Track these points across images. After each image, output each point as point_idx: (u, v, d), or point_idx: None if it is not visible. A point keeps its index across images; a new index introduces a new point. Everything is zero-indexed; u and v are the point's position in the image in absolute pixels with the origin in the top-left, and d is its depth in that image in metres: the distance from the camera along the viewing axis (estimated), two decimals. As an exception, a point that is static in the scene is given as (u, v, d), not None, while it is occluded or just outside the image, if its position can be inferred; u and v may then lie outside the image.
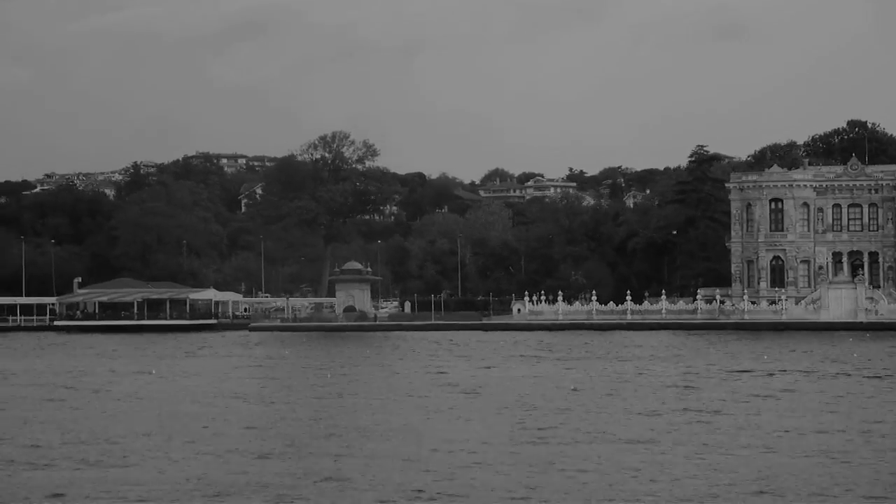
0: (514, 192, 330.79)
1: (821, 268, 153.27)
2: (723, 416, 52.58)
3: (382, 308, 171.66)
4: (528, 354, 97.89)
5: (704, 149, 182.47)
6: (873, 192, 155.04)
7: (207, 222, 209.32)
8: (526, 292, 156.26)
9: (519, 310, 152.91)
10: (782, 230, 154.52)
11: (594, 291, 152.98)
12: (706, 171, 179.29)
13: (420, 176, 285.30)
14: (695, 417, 52.34)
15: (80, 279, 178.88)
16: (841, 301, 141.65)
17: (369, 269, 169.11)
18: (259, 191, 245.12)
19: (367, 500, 34.60)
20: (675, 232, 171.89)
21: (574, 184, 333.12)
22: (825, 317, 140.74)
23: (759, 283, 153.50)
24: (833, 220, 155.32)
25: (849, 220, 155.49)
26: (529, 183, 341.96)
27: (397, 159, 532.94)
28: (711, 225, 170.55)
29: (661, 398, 60.74)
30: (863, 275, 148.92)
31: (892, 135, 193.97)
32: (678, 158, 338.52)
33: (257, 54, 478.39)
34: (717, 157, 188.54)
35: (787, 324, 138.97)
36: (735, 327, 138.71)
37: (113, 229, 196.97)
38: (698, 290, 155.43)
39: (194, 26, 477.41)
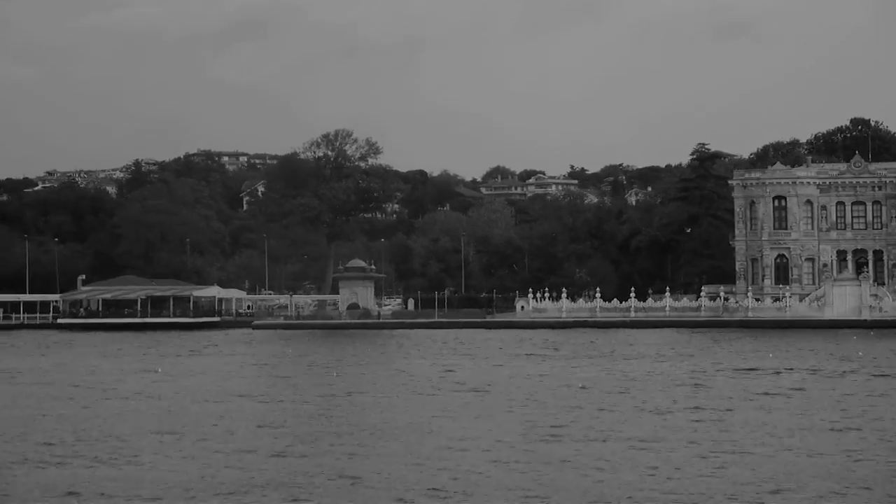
0: (516, 189, 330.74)
1: (824, 265, 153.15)
2: (735, 415, 52.46)
3: (385, 306, 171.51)
4: (535, 352, 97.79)
5: (706, 146, 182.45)
6: (877, 189, 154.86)
7: (209, 220, 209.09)
8: (529, 290, 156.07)
9: (522, 307, 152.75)
10: (786, 228, 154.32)
11: (598, 289, 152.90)
12: (709, 168, 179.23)
13: (422, 173, 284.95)
14: (707, 416, 52.23)
15: (83, 277, 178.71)
16: (845, 298, 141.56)
17: (373, 266, 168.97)
18: (261, 188, 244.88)
19: (381, 499, 34.49)
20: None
21: (575, 181, 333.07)
22: (829, 314, 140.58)
23: (763, 281, 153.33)
24: (837, 217, 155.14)
25: (852, 217, 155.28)
26: (531, 180, 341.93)
27: (398, 157, 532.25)
28: (714, 222, 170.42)
29: (671, 396, 60.63)
30: (867, 272, 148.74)
31: (895, 132, 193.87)
32: (680, 156, 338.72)
33: (258, 53, 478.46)
34: (718, 155, 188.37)
35: (791, 321, 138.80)
36: (739, 325, 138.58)
37: (116, 227, 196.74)
38: (702, 288, 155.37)
39: (196, 24, 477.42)
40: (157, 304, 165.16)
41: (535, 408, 55.90)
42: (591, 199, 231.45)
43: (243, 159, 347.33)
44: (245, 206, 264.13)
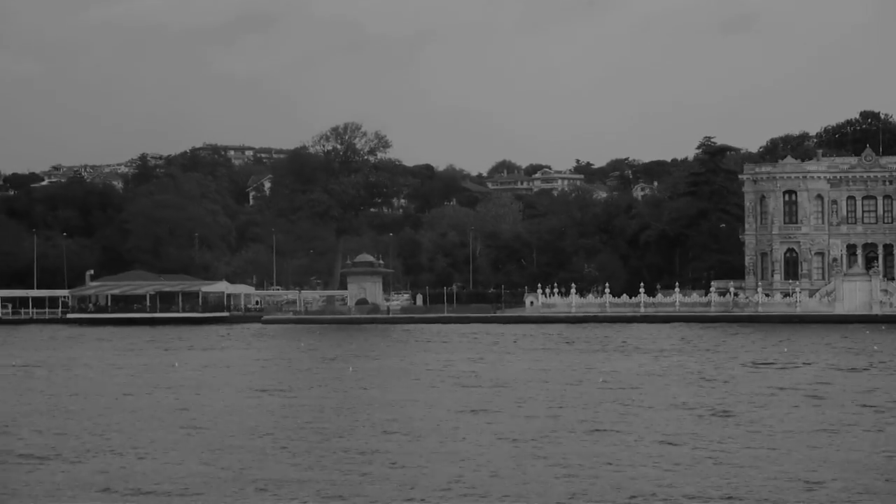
0: (522, 184, 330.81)
1: (835, 260, 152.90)
2: (759, 411, 52.23)
3: (394, 300, 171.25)
4: (549, 347, 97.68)
5: (712, 140, 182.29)
6: (887, 183, 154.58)
7: (216, 215, 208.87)
8: (538, 285, 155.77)
9: (532, 302, 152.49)
10: (796, 222, 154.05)
11: (607, 284, 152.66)
12: (718, 162, 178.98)
13: (428, 168, 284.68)
14: (731, 410, 52.01)
15: (91, 272, 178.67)
16: (855, 293, 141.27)
17: (381, 261, 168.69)
18: (267, 183, 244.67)
19: (408, 495, 34.31)
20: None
21: (581, 176, 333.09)
22: (839, 309, 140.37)
23: (772, 276, 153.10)
24: (847, 212, 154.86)
25: (863, 212, 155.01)
26: (537, 175, 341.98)
27: (404, 152, 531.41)
28: (724, 217, 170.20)
29: (692, 392, 60.42)
30: (877, 267, 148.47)
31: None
32: (686, 150, 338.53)
33: (264, 46, 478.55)
34: (726, 149, 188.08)
35: (802, 316, 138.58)
36: (749, 320, 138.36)
37: (124, 222, 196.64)
38: (712, 283, 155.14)
39: (201, 18, 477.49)
40: (166, 300, 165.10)
41: (558, 403, 55.70)
42: (600, 194, 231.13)
43: (249, 153, 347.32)
44: (251, 202, 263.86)
